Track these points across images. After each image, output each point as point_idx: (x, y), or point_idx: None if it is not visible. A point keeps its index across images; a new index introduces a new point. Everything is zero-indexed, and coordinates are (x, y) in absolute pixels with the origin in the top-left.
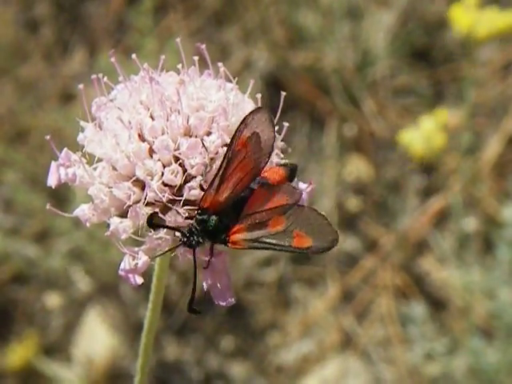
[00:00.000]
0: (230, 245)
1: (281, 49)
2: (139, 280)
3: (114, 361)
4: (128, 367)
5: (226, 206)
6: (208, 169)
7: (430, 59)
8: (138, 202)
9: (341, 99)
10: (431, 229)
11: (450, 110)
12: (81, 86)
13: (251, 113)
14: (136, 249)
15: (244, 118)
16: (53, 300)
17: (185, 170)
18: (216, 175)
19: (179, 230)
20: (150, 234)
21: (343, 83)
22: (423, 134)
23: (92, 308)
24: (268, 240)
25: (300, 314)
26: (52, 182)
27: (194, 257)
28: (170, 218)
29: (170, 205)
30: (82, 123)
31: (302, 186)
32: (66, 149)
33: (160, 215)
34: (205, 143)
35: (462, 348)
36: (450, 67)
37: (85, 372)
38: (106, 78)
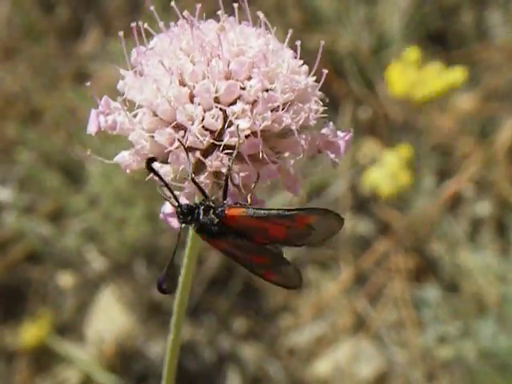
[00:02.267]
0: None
1: (296, 31)
2: (179, 224)
3: (127, 340)
4: (141, 346)
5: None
6: (249, 115)
7: (445, 43)
8: (179, 147)
9: (356, 82)
10: (445, 212)
11: (464, 93)
12: (120, 34)
13: (330, 213)
14: (177, 193)
15: (322, 210)
16: (66, 279)
17: (225, 115)
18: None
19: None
20: (189, 179)
21: (358, 66)
22: (388, 172)
23: (105, 288)
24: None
25: (313, 297)
26: (92, 129)
27: (179, 236)
28: (209, 162)
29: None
30: (122, 71)
31: (339, 133)
32: (105, 96)
33: (201, 158)
34: (245, 87)
35: (475, 332)
36: (465, 51)
37: (97, 351)
38: (146, 25)
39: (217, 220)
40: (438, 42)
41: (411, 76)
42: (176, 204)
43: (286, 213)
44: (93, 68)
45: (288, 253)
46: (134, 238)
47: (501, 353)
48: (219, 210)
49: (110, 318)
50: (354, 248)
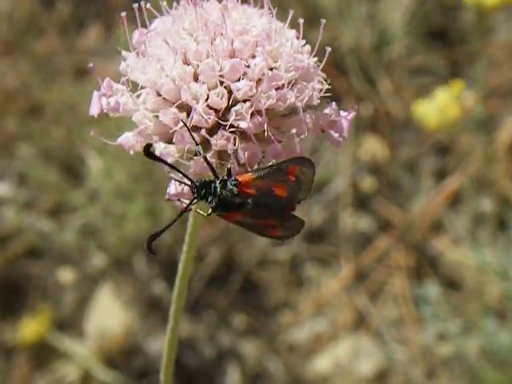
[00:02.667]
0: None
1: (298, 27)
2: (186, 203)
3: (127, 336)
4: (140, 342)
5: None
6: (254, 92)
7: (447, 39)
8: (183, 126)
9: (357, 79)
10: (445, 209)
11: (465, 90)
12: (123, 14)
13: (306, 160)
14: (180, 174)
15: (301, 159)
16: (66, 275)
17: (230, 94)
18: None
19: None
20: (195, 158)
21: (360, 63)
22: (437, 106)
23: (105, 283)
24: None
25: (313, 293)
26: (94, 111)
27: (189, 205)
28: (215, 141)
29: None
30: (124, 53)
31: (342, 113)
32: (107, 78)
33: (206, 136)
34: (250, 65)
35: (475, 329)
36: (467, 48)
37: (97, 347)
38: (148, 5)
39: (236, 190)
40: (440, 39)
41: None
42: (189, 182)
43: (280, 165)
44: (94, 63)
45: (287, 250)
46: (134, 234)
47: (501, 350)
48: (231, 180)
49: (110, 313)
50: (354, 245)
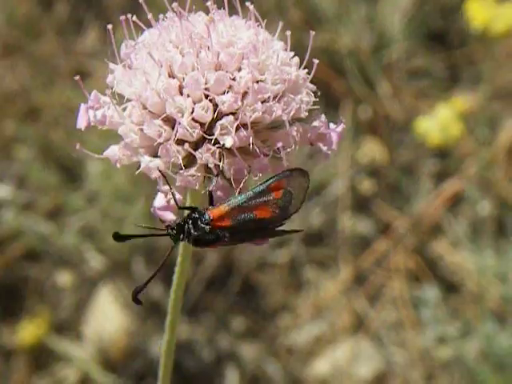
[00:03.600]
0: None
1: (296, 30)
2: (172, 216)
3: (126, 339)
4: (139, 345)
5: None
6: (240, 105)
7: (446, 42)
8: (168, 139)
9: (356, 81)
10: (445, 212)
11: (465, 93)
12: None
13: (295, 170)
14: (167, 187)
15: (289, 171)
16: (64, 278)
17: (216, 107)
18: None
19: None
20: (181, 171)
21: (358, 65)
22: (440, 123)
23: (104, 286)
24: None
25: (312, 296)
26: (81, 124)
27: (169, 252)
28: (200, 155)
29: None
30: (111, 65)
31: (331, 126)
32: (95, 91)
33: (191, 151)
34: (235, 78)
35: (475, 332)
36: (466, 50)
37: (96, 350)
38: (135, 17)
39: (208, 228)
40: (439, 41)
41: (491, 9)
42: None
43: (260, 187)
44: (92, 66)
45: (286, 253)
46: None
47: (501, 353)
48: (204, 216)
49: (109, 316)
50: (353, 248)
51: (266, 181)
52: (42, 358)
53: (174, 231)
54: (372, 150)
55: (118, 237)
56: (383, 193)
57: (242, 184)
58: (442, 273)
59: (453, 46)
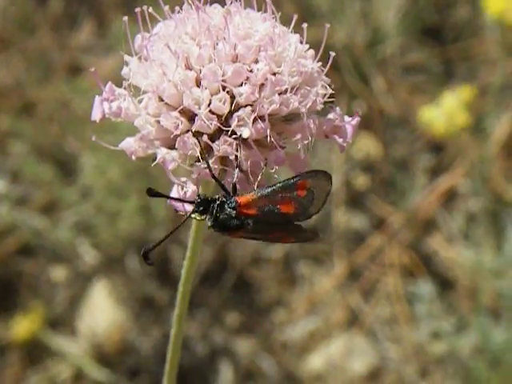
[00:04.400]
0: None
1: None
2: (189, 207)
3: (120, 334)
4: (133, 340)
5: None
6: (257, 97)
7: (441, 37)
8: (184, 132)
9: (350, 76)
10: (439, 208)
11: (459, 88)
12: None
13: (319, 172)
14: (184, 179)
15: (314, 172)
16: (58, 272)
17: (233, 99)
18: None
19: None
20: (197, 163)
21: (353, 60)
22: (445, 112)
23: (98, 281)
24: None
25: (306, 292)
26: (96, 116)
27: (185, 219)
28: (217, 147)
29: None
30: (126, 57)
31: (347, 118)
32: (110, 83)
33: (208, 142)
34: (252, 70)
35: (469, 327)
36: (461, 45)
37: (90, 345)
38: (151, 9)
39: (234, 212)
40: (434, 37)
41: None
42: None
43: (288, 182)
44: (87, 60)
45: (280, 248)
46: (127, 232)
47: (495, 349)
48: (230, 201)
49: (103, 311)
50: (347, 243)
51: (293, 178)
52: (35, 352)
53: (201, 205)
54: (366, 145)
55: (153, 193)
56: (378, 188)
57: (259, 177)
58: (437, 268)
59: (447, 41)
